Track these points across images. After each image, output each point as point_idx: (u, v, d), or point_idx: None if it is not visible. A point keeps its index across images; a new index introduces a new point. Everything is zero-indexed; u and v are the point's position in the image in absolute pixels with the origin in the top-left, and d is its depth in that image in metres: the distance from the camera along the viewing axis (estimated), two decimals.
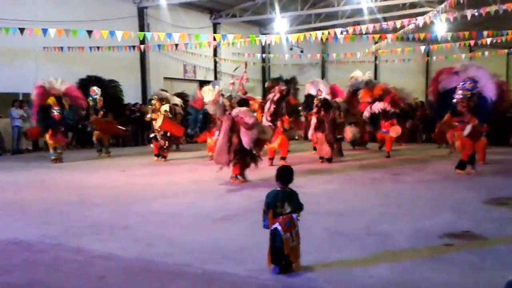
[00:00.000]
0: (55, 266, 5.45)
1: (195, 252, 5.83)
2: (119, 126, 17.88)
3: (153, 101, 15.64)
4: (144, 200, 9.21)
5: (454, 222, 7.16)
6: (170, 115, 15.44)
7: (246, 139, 10.35)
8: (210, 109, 11.73)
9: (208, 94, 15.20)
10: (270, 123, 11.39)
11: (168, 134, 15.21)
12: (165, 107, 15.20)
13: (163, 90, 18.62)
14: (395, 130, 15.51)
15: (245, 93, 12.69)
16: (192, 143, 20.62)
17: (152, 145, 15.77)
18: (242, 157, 10.70)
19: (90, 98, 16.51)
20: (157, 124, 14.99)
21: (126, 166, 14.16)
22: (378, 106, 15.50)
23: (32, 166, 14.45)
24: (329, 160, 14.35)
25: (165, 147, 15.25)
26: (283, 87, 12.19)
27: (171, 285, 4.84)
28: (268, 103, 11.69)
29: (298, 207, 5.16)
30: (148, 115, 15.59)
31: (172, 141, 15.85)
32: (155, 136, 15.22)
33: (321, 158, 14.51)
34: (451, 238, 6.27)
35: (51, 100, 14.89)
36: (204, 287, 4.82)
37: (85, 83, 17.37)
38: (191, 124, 15.46)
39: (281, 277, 4.96)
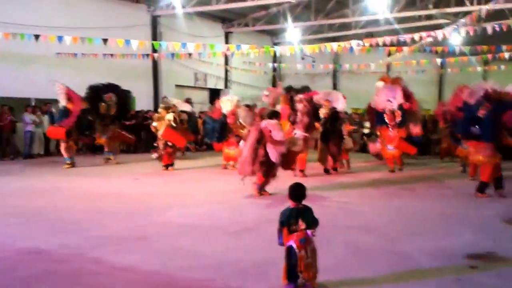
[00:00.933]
0: (77, 278, 5.42)
1: (216, 266, 5.80)
2: (128, 135, 17.87)
3: (159, 109, 15.59)
4: (160, 209, 9.19)
5: (476, 242, 7.07)
6: (174, 124, 15.04)
7: (273, 153, 10.19)
8: (241, 116, 11.54)
9: (226, 104, 15.28)
10: (306, 134, 11.35)
11: (170, 143, 14.92)
12: (169, 116, 14.90)
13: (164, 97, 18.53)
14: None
15: (274, 105, 12.61)
16: (201, 151, 20.70)
17: (153, 155, 15.33)
18: (268, 170, 10.45)
19: (104, 104, 16.52)
20: (159, 132, 14.87)
21: (139, 173, 14.12)
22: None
23: (44, 172, 14.45)
24: (334, 170, 14.49)
25: (162, 154, 14.88)
26: (308, 98, 12.19)
27: None
28: (299, 115, 11.64)
29: (312, 223, 5.12)
30: (154, 123, 15.38)
31: (176, 149, 15.50)
32: (158, 144, 15.01)
33: (325, 170, 14.49)
34: (475, 259, 6.18)
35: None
36: None
37: (100, 89, 17.30)
38: (209, 133, 15.52)
39: None
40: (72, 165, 15.48)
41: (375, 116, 15.51)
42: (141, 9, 23.93)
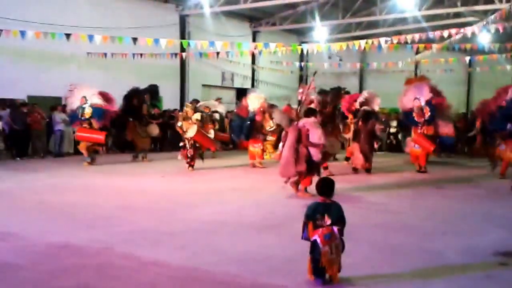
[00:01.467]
0: (105, 271, 5.47)
1: (242, 262, 5.79)
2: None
3: (185, 108, 15.33)
4: (187, 206, 9.23)
5: (506, 240, 6.97)
6: (202, 124, 14.86)
7: (315, 152, 10.06)
8: (277, 118, 11.35)
9: (254, 102, 15.22)
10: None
11: (197, 145, 14.67)
12: (197, 115, 14.66)
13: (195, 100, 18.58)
14: None
15: (310, 102, 12.44)
16: (227, 150, 20.73)
17: (179, 157, 15.14)
18: (309, 169, 10.18)
19: (146, 105, 16.94)
20: (188, 133, 14.49)
21: (165, 171, 14.16)
22: None
23: (74, 170, 14.60)
24: (367, 171, 14.21)
25: (189, 156, 14.58)
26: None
27: None
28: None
29: (338, 219, 5.08)
30: (179, 123, 15.05)
31: (199, 151, 14.93)
32: (184, 145, 14.71)
33: (354, 169, 14.33)
34: (505, 257, 6.09)
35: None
36: None
37: (140, 90, 17.44)
38: (236, 131, 15.50)
39: None
40: (92, 162, 15.73)
41: (405, 116, 15.35)
42: (169, 8, 24.05)
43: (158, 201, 9.73)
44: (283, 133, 10.70)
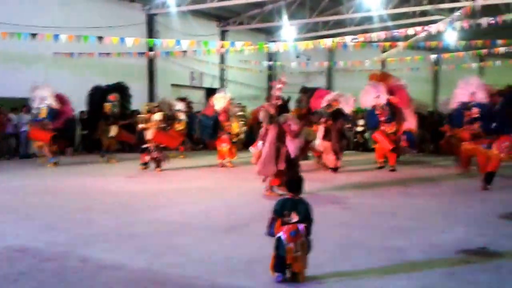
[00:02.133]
0: (62, 275, 5.30)
1: (204, 263, 5.67)
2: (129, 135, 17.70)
3: (143, 111, 15.07)
4: (152, 207, 9.07)
5: (470, 238, 6.94)
6: (163, 124, 14.62)
7: (292, 147, 9.90)
8: (260, 116, 11.09)
9: (219, 102, 15.13)
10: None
11: (161, 146, 14.42)
12: (157, 116, 14.35)
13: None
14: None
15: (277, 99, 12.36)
16: (197, 150, 20.59)
17: (146, 157, 14.53)
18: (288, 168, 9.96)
19: (108, 104, 16.54)
20: (148, 135, 14.28)
21: (133, 172, 14.01)
22: None
23: (40, 171, 14.38)
24: (334, 169, 14.19)
25: (157, 159, 14.24)
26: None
27: None
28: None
29: (306, 217, 5.01)
30: (140, 125, 14.74)
31: (164, 154, 14.62)
32: (148, 147, 14.28)
33: (325, 167, 14.36)
34: (468, 254, 6.07)
35: None
36: None
37: (104, 89, 17.16)
38: (203, 131, 15.39)
39: None
40: (56, 164, 15.50)
41: (368, 114, 15.37)
42: (136, 8, 23.80)
43: (122, 202, 9.54)
44: (262, 130, 10.49)
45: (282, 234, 4.92)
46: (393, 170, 14.61)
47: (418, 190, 11.59)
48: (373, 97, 14.54)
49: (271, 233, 5.08)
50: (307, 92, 16.20)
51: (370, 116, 15.10)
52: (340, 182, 12.49)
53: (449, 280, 5.19)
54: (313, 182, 10.76)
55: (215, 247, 6.39)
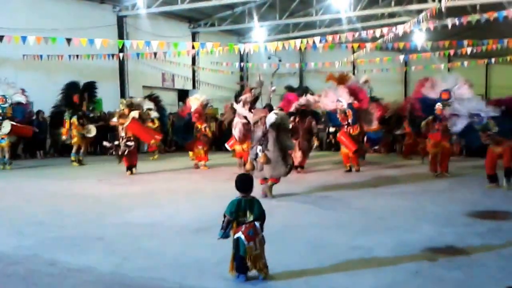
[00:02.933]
0: (29, 279, 5.24)
1: (172, 265, 5.64)
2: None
3: (121, 106, 14.79)
4: (121, 210, 8.99)
5: (437, 236, 7.01)
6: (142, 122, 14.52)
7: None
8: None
9: (194, 104, 15.08)
10: None
11: (131, 142, 13.90)
12: (135, 113, 14.09)
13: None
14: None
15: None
16: (170, 152, 20.50)
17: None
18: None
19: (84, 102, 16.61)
20: (121, 131, 14.05)
21: (104, 174, 13.90)
22: None
23: (10, 174, 14.17)
24: (301, 167, 14.38)
25: (120, 153, 13.89)
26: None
27: None
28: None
29: (259, 215, 5.04)
30: (114, 119, 14.59)
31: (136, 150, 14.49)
32: (118, 144, 13.96)
33: (296, 167, 14.35)
34: (435, 252, 6.14)
35: None
36: None
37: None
38: (176, 132, 15.34)
39: None
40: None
41: (328, 117, 15.31)
42: (106, 9, 23.59)
43: (92, 205, 9.44)
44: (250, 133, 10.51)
45: (240, 235, 4.95)
46: (358, 171, 14.65)
47: (387, 189, 11.67)
48: (333, 100, 14.47)
49: (227, 235, 5.10)
50: (293, 92, 16.15)
51: (330, 118, 15.12)
52: (310, 182, 12.52)
53: (414, 277, 5.25)
54: (283, 183, 10.76)
55: (184, 248, 6.37)
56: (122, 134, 13.99)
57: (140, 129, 14.24)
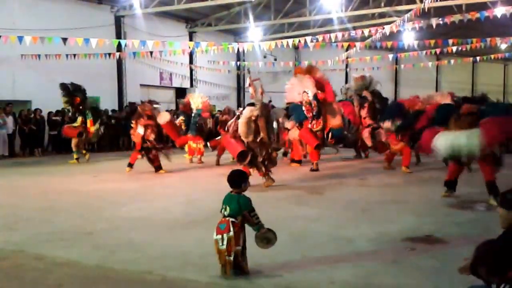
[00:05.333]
0: (15, 273, 5.19)
1: (158, 258, 5.60)
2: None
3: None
4: (114, 205, 8.93)
5: (417, 226, 7.01)
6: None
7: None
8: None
9: (196, 101, 15.09)
10: None
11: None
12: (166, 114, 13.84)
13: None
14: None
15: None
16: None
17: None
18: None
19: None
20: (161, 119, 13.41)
21: (99, 171, 13.81)
22: None
23: (7, 172, 14.07)
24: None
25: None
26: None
27: None
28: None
29: (236, 212, 4.91)
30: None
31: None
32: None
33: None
34: (414, 242, 6.14)
35: None
36: None
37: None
38: (185, 127, 15.27)
39: (242, 282, 4.79)
40: None
41: (294, 109, 14.14)
42: (104, 9, 23.40)
43: (84, 201, 9.37)
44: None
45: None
46: (315, 170, 13.53)
47: (373, 181, 11.68)
48: (299, 92, 13.64)
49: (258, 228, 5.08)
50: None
51: (296, 111, 14.02)
52: (295, 175, 12.55)
53: (393, 266, 5.25)
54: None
55: (171, 242, 6.32)
56: (152, 136, 13.34)
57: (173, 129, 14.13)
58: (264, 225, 5.04)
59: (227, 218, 4.89)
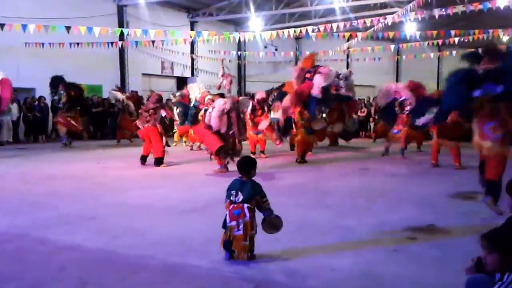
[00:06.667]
0: (18, 257, 5.18)
1: (160, 244, 5.58)
2: (75, 124, 17.34)
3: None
4: (116, 191, 8.93)
5: (419, 216, 6.97)
6: None
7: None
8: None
9: (194, 91, 15.08)
10: None
11: None
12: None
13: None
14: None
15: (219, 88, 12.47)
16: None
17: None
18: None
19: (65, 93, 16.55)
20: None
21: (102, 158, 13.81)
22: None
23: (11, 158, 14.06)
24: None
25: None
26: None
27: (132, 277, 4.57)
28: None
29: (250, 197, 4.92)
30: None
31: None
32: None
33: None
34: (415, 232, 6.09)
35: None
36: (165, 279, 4.56)
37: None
38: (182, 118, 15.25)
39: (242, 268, 4.75)
40: None
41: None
42: None
43: (88, 187, 9.36)
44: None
45: (227, 212, 4.88)
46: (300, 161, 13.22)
47: (375, 171, 11.61)
48: None
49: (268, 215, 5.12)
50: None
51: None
52: (296, 165, 12.53)
53: (393, 256, 5.21)
54: (272, 164, 10.70)
55: (173, 228, 6.30)
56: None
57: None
58: (273, 211, 5.07)
59: (241, 204, 4.87)
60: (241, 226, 4.81)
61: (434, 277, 4.59)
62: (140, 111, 13.33)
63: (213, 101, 11.64)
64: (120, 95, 18.77)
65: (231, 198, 4.95)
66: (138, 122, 12.98)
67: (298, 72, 12.68)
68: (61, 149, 16.26)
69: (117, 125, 19.21)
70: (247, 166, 5.12)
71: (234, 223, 4.82)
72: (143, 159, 12.66)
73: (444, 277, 4.58)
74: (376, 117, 19.61)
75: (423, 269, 4.79)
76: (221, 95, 11.04)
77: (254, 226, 4.93)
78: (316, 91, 12.00)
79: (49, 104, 19.15)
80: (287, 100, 12.17)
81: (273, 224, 5.07)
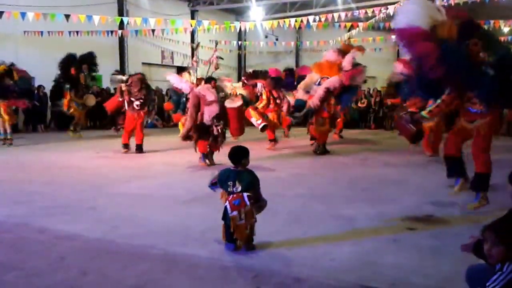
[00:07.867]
0: (17, 246, 5.20)
1: (160, 233, 5.60)
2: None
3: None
4: (116, 181, 8.95)
5: (418, 206, 6.98)
6: None
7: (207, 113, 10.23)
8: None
9: (188, 79, 15.01)
10: None
11: None
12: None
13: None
14: None
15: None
16: (168, 127, 20.37)
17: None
18: (203, 136, 10.40)
19: (82, 74, 16.44)
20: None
21: (102, 148, 13.82)
22: None
23: (10, 147, 14.06)
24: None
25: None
26: None
27: (132, 267, 4.58)
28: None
29: (249, 186, 4.93)
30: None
31: None
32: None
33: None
34: (414, 222, 6.12)
35: None
36: (165, 269, 4.57)
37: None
38: (175, 106, 15.24)
39: (242, 258, 4.78)
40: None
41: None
42: None
43: (88, 177, 9.39)
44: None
45: (227, 203, 4.89)
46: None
47: (375, 162, 11.63)
48: None
49: (212, 188, 5.24)
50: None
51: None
52: (297, 154, 12.52)
53: (392, 245, 5.23)
54: (269, 156, 10.72)
55: (174, 218, 6.33)
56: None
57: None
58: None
59: (240, 193, 4.88)
60: (243, 216, 4.82)
61: (433, 266, 4.60)
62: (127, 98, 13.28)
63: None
64: (122, 76, 18.41)
65: (228, 189, 4.96)
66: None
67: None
68: (60, 139, 16.23)
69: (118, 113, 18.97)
70: (239, 155, 5.11)
71: (235, 213, 4.83)
72: (140, 148, 12.72)
73: (443, 266, 4.61)
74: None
75: (423, 259, 4.81)
76: (208, 81, 10.83)
77: (255, 214, 4.95)
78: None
79: (48, 93, 19.15)
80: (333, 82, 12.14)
81: (260, 206, 5.07)
